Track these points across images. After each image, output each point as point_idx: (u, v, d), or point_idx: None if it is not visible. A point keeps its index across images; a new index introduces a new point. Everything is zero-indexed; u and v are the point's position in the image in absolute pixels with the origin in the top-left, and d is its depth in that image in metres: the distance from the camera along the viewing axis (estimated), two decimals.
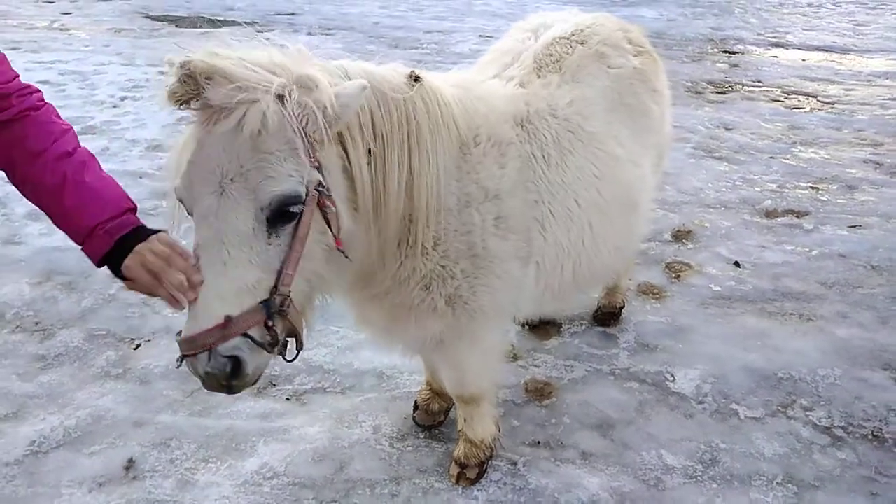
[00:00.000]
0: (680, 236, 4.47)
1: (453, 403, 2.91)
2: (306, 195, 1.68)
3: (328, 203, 1.73)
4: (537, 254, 2.35)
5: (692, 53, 8.45)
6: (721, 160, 5.54)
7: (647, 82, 2.73)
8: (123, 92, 7.10)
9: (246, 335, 1.63)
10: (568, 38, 2.64)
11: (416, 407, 3.02)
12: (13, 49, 8.76)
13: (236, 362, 1.64)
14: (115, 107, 6.74)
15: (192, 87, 1.61)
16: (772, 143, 5.84)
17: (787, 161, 5.50)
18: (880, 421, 3.04)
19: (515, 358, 3.41)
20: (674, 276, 4.07)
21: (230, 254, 1.63)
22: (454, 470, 2.74)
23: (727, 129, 6.17)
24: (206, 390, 1.73)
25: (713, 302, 3.83)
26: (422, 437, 2.96)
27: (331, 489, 2.71)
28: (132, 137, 5.98)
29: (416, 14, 11.59)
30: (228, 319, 1.60)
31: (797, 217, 4.68)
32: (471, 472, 2.71)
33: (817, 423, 3.04)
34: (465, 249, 2.18)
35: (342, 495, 2.69)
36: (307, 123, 1.66)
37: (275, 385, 3.26)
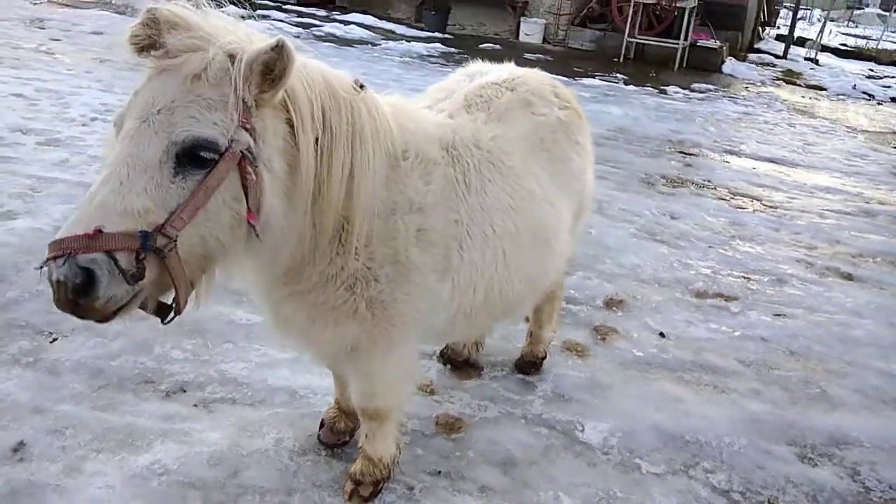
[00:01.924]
0: (611, 304, 4.60)
1: (359, 424, 2.91)
2: (225, 150, 1.74)
3: (250, 170, 1.79)
4: (454, 270, 2.44)
5: (650, 150, 8.86)
6: (662, 243, 5.75)
7: (569, 133, 2.92)
8: (95, 113, 7.19)
9: (111, 256, 1.63)
10: (499, 84, 2.84)
11: (321, 425, 3.01)
12: None
13: (89, 276, 1.61)
14: (83, 125, 6.81)
15: (153, 32, 1.73)
16: (712, 234, 6.09)
17: (724, 252, 5.74)
18: (778, 490, 3.10)
19: (431, 392, 3.44)
20: (600, 337, 4.17)
21: (129, 176, 1.67)
22: (348, 486, 2.72)
23: (672, 217, 6.43)
24: (56, 308, 1.66)
25: (633, 365, 3.92)
26: (323, 454, 2.94)
27: (220, 492, 2.67)
28: (94, 154, 6.02)
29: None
30: (98, 231, 1.61)
31: (726, 300, 4.85)
32: (364, 489, 2.69)
33: (716, 485, 3.08)
34: (391, 254, 2.27)
35: (230, 499, 2.65)
36: (249, 86, 1.76)
37: (185, 391, 3.23)
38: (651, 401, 3.60)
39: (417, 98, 2.92)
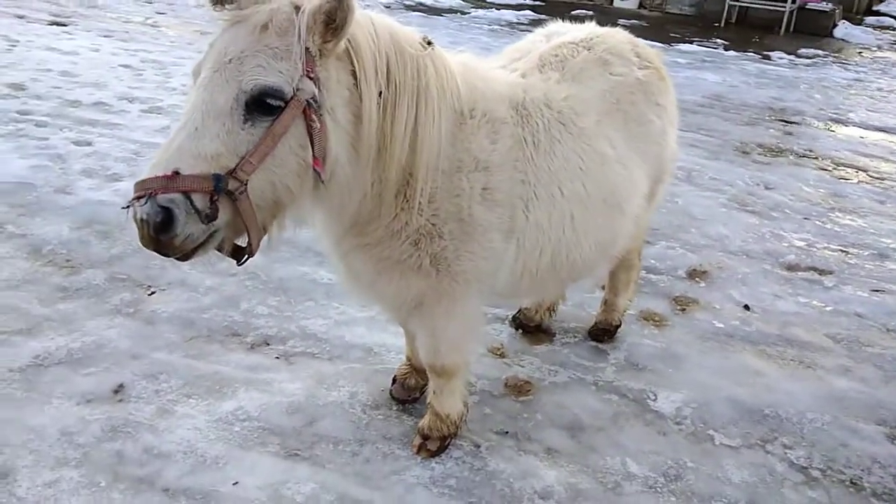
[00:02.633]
0: (694, 275, 4.47)
1: (429, 381, 2.98)
2: (290, 97, 1.82)
3: (314, 118, 1.86)
4: (519, 231, 2.45)
5: (747, 118, 8.44)
6: (753, 214, 5.50)
7: (648, 94, 2.82)
8: None
9: (187, 196, 1.73)
10: (576, 44, 2.78)
11: (394, 381, 3.11)
12: (106, 36, 9.46)
13: (168, 215, 1.71)
14: (183, 94, 7.16)
15: None
16: (809, 206, 5.77)
17: (821, 224, 5.43)
18: (862, 470, 2.96)
19: (502, 355, 3.47)
20: (679, 308, 4.07)
21: (203, 122, 1.77)
22: (417, 440, 2.81)
23: (767, 187, 6.13)
24: (141, 245, 1.78)
25: (713, 337, 3.81)
26: (394, 408, 3.04)
27: (296, 439, 2.81)
28: None
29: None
30: (176, 173, 1.72)
31: (819, 274, 4.61)
32: (432, 443, 2.78)
33: (794, 461, 2.98)
34: (454, 212, 2.30)
35: (306, 446, 2.79)
36: (313, 35, 1.83)
37: (268, 344, 3.40)
38: (729, 373, 3.50)
39: (492, 58, 2.91)
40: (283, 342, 3.42)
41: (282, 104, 1.82)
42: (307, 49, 1.84)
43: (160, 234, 1.73)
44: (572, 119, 2.56)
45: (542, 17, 14.64)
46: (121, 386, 3.02)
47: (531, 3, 17.04)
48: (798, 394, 3.39)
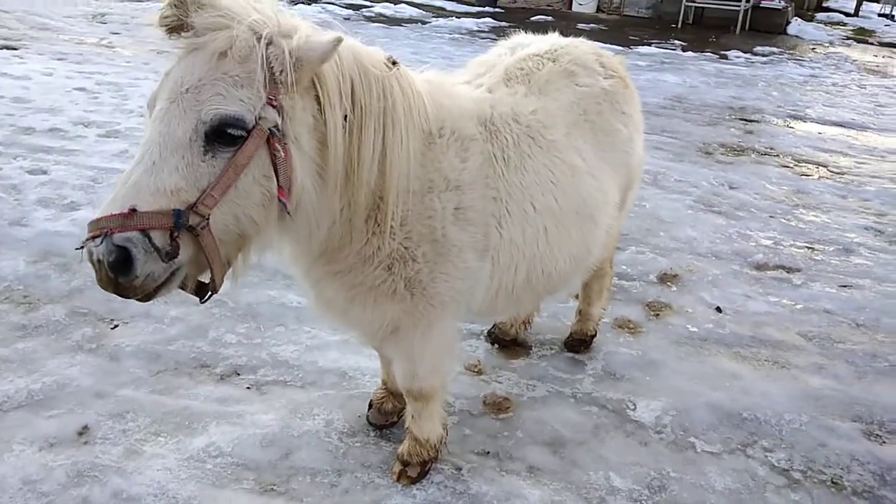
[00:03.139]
0: (665, 279, 4.48)
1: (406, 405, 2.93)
2: (253, 127, 1.75)
3: (278, 147, 1.80)
4: (493, 248, 2.41)
5: (708, 118, 8.56)
6: (720, 214, 5.56)
7: (614, 103, 2.81)
8: None
9: (146, 234, 1.65)
10: (541, 56, 2.76)
11: (370, 406, 3.04)
12: (60, 59, 9.24)
13: (125, 255, 1.64)
14: (141, 116, 7.01)
15: (180, 12, 1.75)
16: (774, 204, 5.85)
17: (786, 221, 5.51)
18: (842, 469, 2.98)
19: (479, 372, 3.43)
20: (653, 314, 4.08)
21: (161, 156, 1.69)
22: (396, 467, 2.74)
23: (731, 187, 6.21)
24: (100, 287, 1.71)
25: (688, 341, 3.82)
26: (372, 435, 2.97)
27: (272, 473, 2.73)
28: None
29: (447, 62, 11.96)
30: (133, 210, 1.64)
31: (787, 272, 4.66)
32: (412, 470, 2.71)
33: (776, 464, 2.98)
34: (427, 233, 2.25)
35: (283, 480, 2.70)
36: (275, 62, 1.76)
37: (238, 374, 3.31)
38: (706, 378, 3.50)
39: (457, 73, 2.87)
40: (253, 371, 3.33)
41: (244, 134, 1.75)
42: (273, 77, 1.77)
43: (118, 276, 1.66)
44: (541, 132, 2.53)
45: (502, 23, 14.74)
46: (85, 427, 2.90)
47: (490, 10, 17.12)
48: (774, 395, 3.40)
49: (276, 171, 1.82)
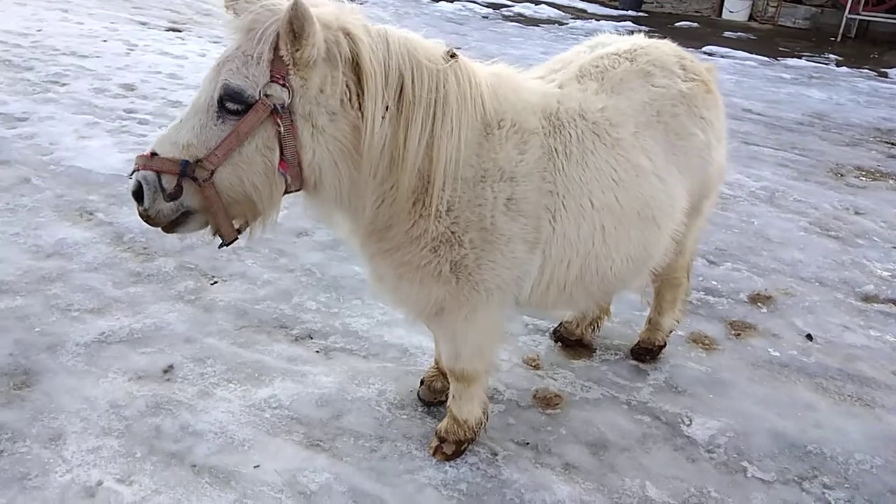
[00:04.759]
0: (757, 300, 4.28)
1: None
2: (256, 101, 1.97)
3: (280, 123, 2.00)
4: (544, 242, 2.46)
5: (849, 138, 7.93)
6: (836, 240, 5.19)
7: (692, 107, 2.75)
8: None
9: (159, 176, 2.00)
10: (618, 55, 2.75)
11: (421, 383, 3.18)
12: (215, 42, 10.09)
13: (138, 188, 2.01)
14: None
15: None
16: None
17: None
18: None
19: (536, 367, 3.47)
20: (734, 333, 3.92)
21: (187, 115, 2.04)
22: (434, 442, 2.86)
23: (857, 212, 5.76)
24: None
25: (765, 365, 3.64)
26: (419, 410, 3.11)
27: (321, 430, 2.94)
28: None
29: None
30: (153, 154, 2.02)
31: None
32: (448, 447, 2.82)
33: (832, 502, 2.81)
34: (476, 221, 2.34)
35: (329, 438, 2.90)
36: (286, 44, 1.94)
37: (311, 338, 3.56)
38: (777, 405, 3.34)
39: (534, 68, 2.93)
40: (325, 337, 3.57)
41: (244, 107, 1.98)
42: (281, 56, 1.95)
43: (138, 205, 2.03)
44: (607, 130, 2.54)
45: (642, 28, 14.34)
46: (170, 366, 3.25)
47: (633, 14, 16.71)
48: (850, 432, 3.19)
49: (281, 144, 2.02)
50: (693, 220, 3.01)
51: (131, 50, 9.11)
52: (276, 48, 1.96)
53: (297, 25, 1.90)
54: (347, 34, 2.04)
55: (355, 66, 2.06)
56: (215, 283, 4.00)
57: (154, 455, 2.73)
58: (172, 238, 4.37)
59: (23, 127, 6.04)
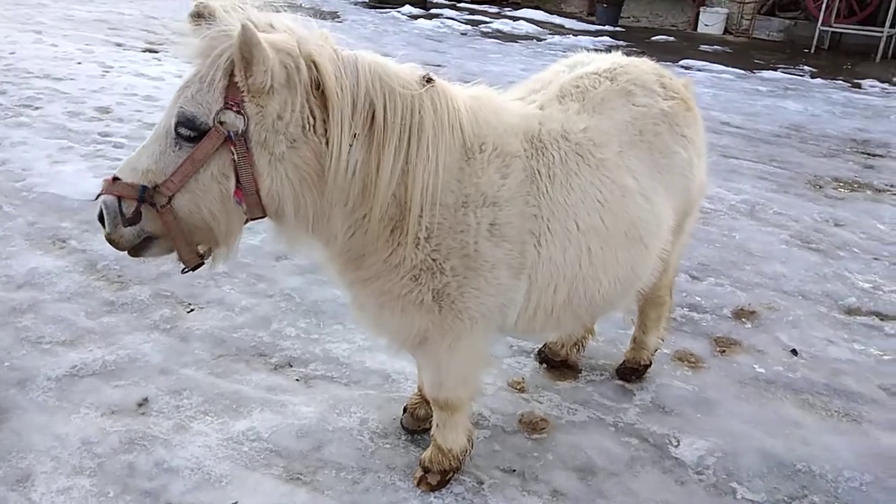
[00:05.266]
0: (741, 315, 4.26)
1: None
2: (209, 128, 1.93)
3: (234, 150, 1.96)
4: (530, 267, 2.40)
5: (825, 149, 8.01)
6: (817, 252, 5.21)
7: (673, 125, 2.72)
8: None
9: (119, 201, 1.99)
10: (598, 74, 2.73)
11: (404, 410, 3.11)
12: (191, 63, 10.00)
13: (100, 212, 2.03)
14: None
15: (198, 22, 1.96)
16: (881, 246, 5.41)
17: (891, 265, 5.08)
18: None
19: (521, 390, 3.41)
20: (719, 349, 3.89)
21: (149, 140, 2.02)
22: (418, 472, 2.79)
23: (836, 224, 5.79)
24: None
25: (752, 382, 3.62)
26: (402, 438, 3.04)
27: (301, 463, 2.85)
28: None
29: None
30: (115, 179, 2.01)
31: (881, 319, 4.30)
32: (432, 477, 2.75)
33: None
34: (458, 247, 2.29)
35: (310, 470, 2.82)
36: (240, 71, 1.89)
37: (291, 366, 3.48)
38: (764, 423, 3.30)
39: (512, 89, 2.90)
40: (305, 364, 3.49)
41: (197, 133, 1.95)
42: (236, 83, 1.91)
43: (102, 228, 2.04)
44: (591, 151, 2.50)
45: (620, 43, 14.47)
46: (145, 399, 3.15)
47: (610, 29, 16.87)
48: (838, 449, 3.16)
49: (236, 172, 1.98)
50: (677, 237, 2.98)
51: (107, 72, 9.02)
52: (231, 74, 1.91)
53: (245, 51, 1.85)
54: (311, 61, 1.99)
55: (321, 93, 2.01)
56: (192, 310, 3.91)
57: (128, 494, 2.63)
58: (147, 265, 4.29)
59: None
